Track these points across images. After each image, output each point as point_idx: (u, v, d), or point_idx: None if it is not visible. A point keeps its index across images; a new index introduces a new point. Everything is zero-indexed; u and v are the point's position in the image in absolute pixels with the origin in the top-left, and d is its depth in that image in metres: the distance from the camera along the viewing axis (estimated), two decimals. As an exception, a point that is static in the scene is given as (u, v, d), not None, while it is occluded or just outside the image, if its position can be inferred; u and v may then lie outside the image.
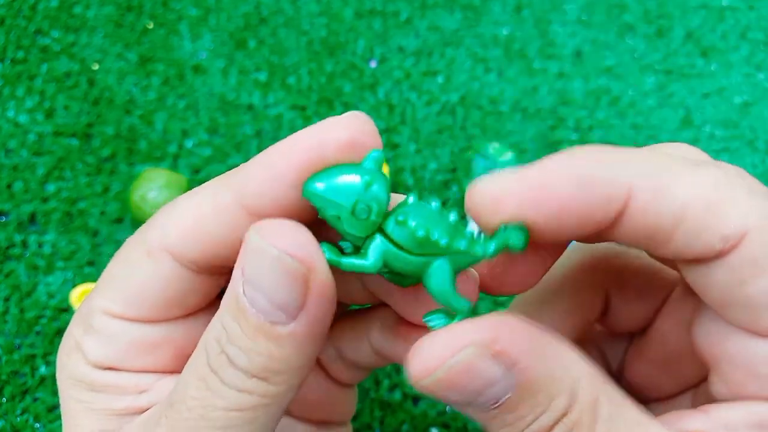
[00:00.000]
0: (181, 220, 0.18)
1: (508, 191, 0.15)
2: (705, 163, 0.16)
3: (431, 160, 0.39)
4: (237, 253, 0.16)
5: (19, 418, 0.32)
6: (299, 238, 0.15)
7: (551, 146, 0.40)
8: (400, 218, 0.16)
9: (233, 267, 0.16)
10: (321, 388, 0.22)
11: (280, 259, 0.15)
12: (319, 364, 0.22)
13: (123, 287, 0.18)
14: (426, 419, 0.32)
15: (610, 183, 0.15)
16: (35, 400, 0.33)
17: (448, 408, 0.32)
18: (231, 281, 0.16)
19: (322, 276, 0.15)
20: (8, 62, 0.43)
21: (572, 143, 0.40)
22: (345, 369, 0.22)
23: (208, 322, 0.17)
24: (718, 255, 0.15)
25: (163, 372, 0.19)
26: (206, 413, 0.16)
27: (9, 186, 0.38)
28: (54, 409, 0.33)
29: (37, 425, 0.32)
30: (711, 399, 0.17)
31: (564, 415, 0.15)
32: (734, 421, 0.16)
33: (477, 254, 0.16)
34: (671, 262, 0.18)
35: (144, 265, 0.18)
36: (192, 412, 0.16)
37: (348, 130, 0.16)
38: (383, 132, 0.40)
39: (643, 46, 0.44)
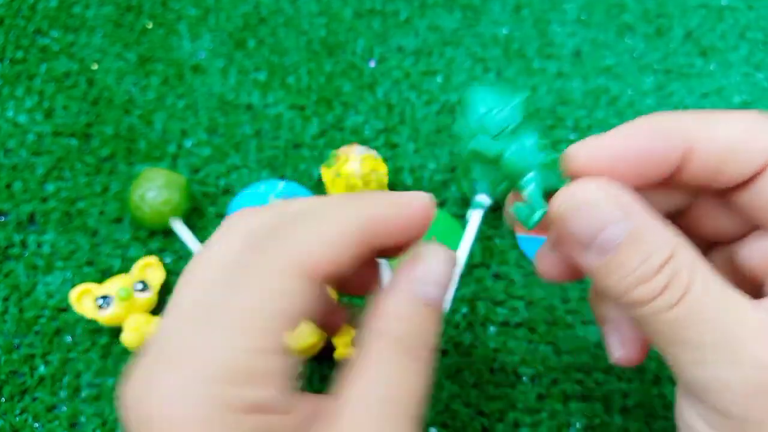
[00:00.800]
0: (317, 238, 0.19)
1: (602, 151, 0.20)
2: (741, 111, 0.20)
3: (430, 160, 0.39)
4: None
5: (18, 418, 0.32)
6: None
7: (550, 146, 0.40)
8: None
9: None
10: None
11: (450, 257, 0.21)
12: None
13: (274, 318, 0.17)
14: (425, 419, 0.32)
15: (675, 132, 0.20)
16: (34, 399, 0.33)
17: (447, 408, 0.32)
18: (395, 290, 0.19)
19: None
20: (7, 62, 0.43)
21: (571, 143, 0.40)
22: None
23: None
24: (762, 170, 0.19)
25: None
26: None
27: (8, 186, 0.38)
28: (53, 409, 0.33)
29: (36, 425, 0.32)
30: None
31: (667, 261, 0.18)
32: None
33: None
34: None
35: (294, 289, 0.18)
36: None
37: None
38: (382, 132, 0.40)
39: (642, 45, 0.44)
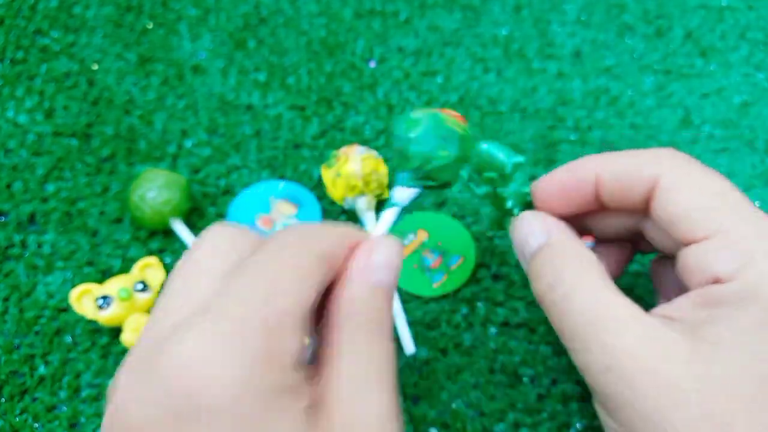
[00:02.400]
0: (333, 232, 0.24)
1: (545, 187, 0.28)
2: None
3: (430, 160, 0.39)
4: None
5: (18, 418, 0.32)
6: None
7: (550, 146, 0.40)
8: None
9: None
10: None
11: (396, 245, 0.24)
12: None
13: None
14: (425, 419, 0.32)
15: (586, 169, 0.27)
16: (34, 400, 0.33)
17: (447, 408, 0.32)
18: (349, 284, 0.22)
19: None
20: (8, 62, 0.43)
21: (571, 143, 0.40)
22: None
23: None
24: (649, 196, 0.25)
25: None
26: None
27: (8, 186, 0.38)
28: (53, 409, 0.33)
29: (36, 425, 0.32)
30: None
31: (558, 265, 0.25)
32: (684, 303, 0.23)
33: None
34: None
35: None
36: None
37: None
38: (382, 132, 0.40)
39: (642, 46, 0.44)
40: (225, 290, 0.19)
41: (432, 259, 0.36)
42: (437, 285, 0.35)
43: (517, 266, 0.36)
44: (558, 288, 0.24)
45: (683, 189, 0.24)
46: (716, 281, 0.22)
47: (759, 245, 0.22)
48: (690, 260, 0.23)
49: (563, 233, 0.26)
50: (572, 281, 0.24)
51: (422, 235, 0.37)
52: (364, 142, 0.39)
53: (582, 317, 0.23)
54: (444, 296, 0.35)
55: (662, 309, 0.23)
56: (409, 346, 0.33)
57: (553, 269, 0.25)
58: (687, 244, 0.23)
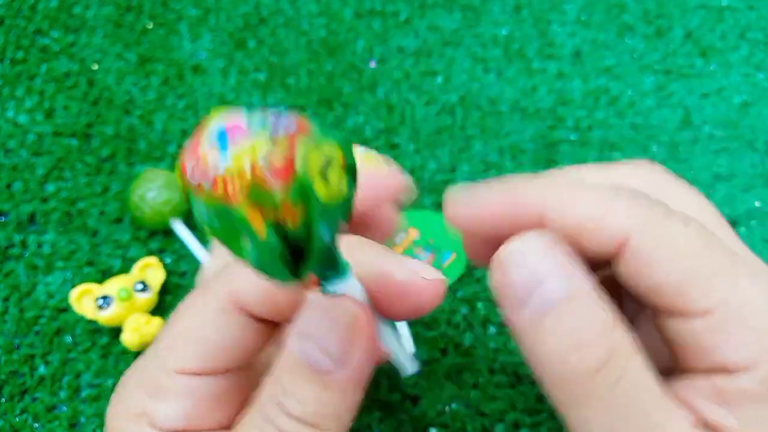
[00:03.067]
0: (250, 278, 0.19)
1: (486, 208, 0.19)
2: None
3: (430, 161, 0.39)
4: (294, 302, 0.18)
5: (18, 418, 0.32)
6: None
7: (550, 146, 0.40)
8: None
9: (288, 315, 0.18)
10: None
11: (329, 307, 0.17)
12: None
13: (199, 343, 0.19)
14: (425, 419, 0.32)
15: (531, 202, 0.19)
16: (34, 400, 0.33)
17: (447, 408, 0.32)
18: (288, 338, 0.18)
19: (366, 324, 0.18)
20: (8, 62, 0.43)
21: (571, 143, 0.40)
22: None
23: (265, 368, 0.19)
24: (618, 251, 0.18)
25: (231, 427, 0.20)
26: None
27: (8, 186, 0.38)
28: (53, 409, 0.33)
29: (36, 425, 0.32)
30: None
31: (607, 333, 0.17)
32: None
33: None
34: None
35: (220, 321, 0.19)
36: None
37: None
38: (382, 132, 0.40)
39: (642, 46, 0.44)
40: None
41: (424, 257, 0.36)
42: (436, 284, 0.35)
43: (517, 266, 0.36)
44: (611, 374, 0.17)
45: (663, 248, 0.18)
46: (724, 370, 0.17)
47: None
48: (686, 338, 0.18)
49: (589, 282, 0.18)
50: (634, 375, 0.17)
51: (413, 234, 0.37)
52: (364, 142, 0.39)
53: (632, 415, 0.17)
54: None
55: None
56: (409, 347, 0.33)
57: (605, 344, 0.17)
58: (673, 314, 0.18)
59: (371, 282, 0.19)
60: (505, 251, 0.18)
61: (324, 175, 0.13)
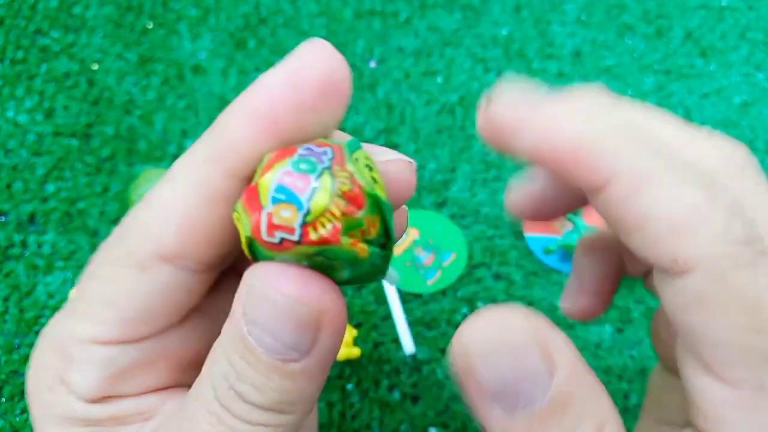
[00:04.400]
0: (172, 220, 0.16)
1: (521, 124, 0.17)
2: (695, 176, 0.15)
3: (430, 160, 0.39)
4: (236, 241, 0.15)
5: (18, 418, 0.32)
6: (307, 283, 0.14)
7: (550, 146, 0.40)
8: None
9: (231, 258, 0.16)
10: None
11: (289, 306, 0.14)
12: None
13: (115, 308, 0.16)
14: (425, 419, 0.32)
15: (596, 163, 0.15)
16: (34, 399, 0.33)
17: (447, 408, 0.32)
18: (231, 318, 0.15)
19: (335, 315, 0.14)
20: (8, 62, 0.43)
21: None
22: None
23: (201, 323, 0.17)
24: (668, 273, 0.15)
25: (165, 388, 0.17)
26: None
27: (8, 186, 0.38)
28: (53, 408, 0.33)
29: (37, 425, 0.32)
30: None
31: None
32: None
33: None
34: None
35: (138, 281, 0.16)
36: None
37: (322, 73, 0.16)
38: (382, 132, 0.40)
39: (642, 46, 0.44)
40: None
41: (424, 257, 0.36)
42: (432, 281, 0.35)
43: (518, 265, 0.36)
44: None
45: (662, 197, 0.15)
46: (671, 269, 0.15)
47: None
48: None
49: (583, 368, 0.14)
50: None
51: (413, 233, 0.37)
52: (364, 142, 0.39)
53: None
54: (443, 294, 0.35)
55: None
56: (409, 346, 0.33)
57: None
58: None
59: None
60: (475, 333, 0.14)
61: (375, 179, 0.14)
